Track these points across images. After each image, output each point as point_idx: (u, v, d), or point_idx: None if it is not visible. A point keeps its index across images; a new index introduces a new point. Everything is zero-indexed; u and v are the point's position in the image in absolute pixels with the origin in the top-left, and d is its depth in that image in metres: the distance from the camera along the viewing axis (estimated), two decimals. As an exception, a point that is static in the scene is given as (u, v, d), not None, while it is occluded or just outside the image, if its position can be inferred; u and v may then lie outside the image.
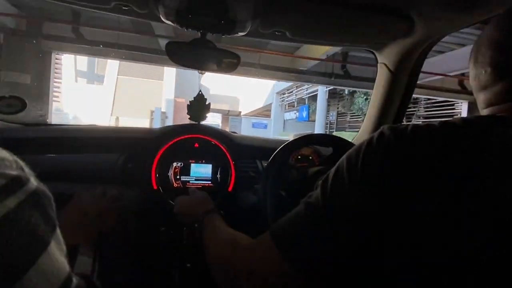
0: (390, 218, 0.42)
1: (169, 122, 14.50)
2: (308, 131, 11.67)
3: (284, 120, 15.12)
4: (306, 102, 12.54)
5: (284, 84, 13.28)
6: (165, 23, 0.95)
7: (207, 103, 1.16)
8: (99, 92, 15.39)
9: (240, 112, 19.66)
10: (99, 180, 1.05)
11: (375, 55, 1.15)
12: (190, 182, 1.13)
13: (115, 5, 0.87)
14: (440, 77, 4.93)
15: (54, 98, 4.30)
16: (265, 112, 18.00)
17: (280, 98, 14.92)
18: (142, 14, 0.93)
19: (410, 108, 7.86)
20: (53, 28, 3.84)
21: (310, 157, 1.20)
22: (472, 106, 6.04)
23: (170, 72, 15.23)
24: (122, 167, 1.08)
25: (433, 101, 7.29)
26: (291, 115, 14.27)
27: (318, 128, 11.19)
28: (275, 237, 0.50)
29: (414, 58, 1.06)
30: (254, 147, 1.24)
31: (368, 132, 1.25)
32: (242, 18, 0.93)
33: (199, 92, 1.15)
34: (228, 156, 1.15)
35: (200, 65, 1.04)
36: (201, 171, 1.14)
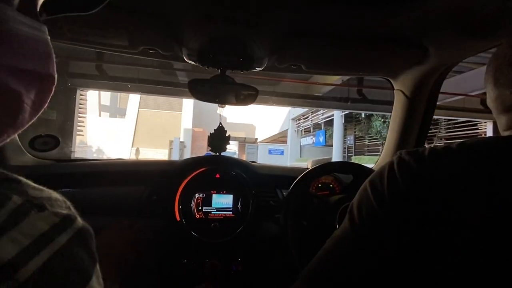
0: (419, 239, 0.43)
1: (188, 151, 14.75)
2: (326, 156, 11.51)
3: (300, 145, 15.07)
4: (322, 127, 12.51)
5: (299, 110, 13.40)
6: (188, 62, 1.02)
7: (227, 134, 1.20)
8: (121, 125, 16.01)
9: (256, 139, 19.77)
10: (125, 212, 1.08)
11: (391, 82, 1.17)
12: (212, 213, 1.14)
13: (143, 49, 0.95)
14: (461, 97, 4.81)
15: (78, 132, 4.48)
16: (281, 138, 18.05)
17: (296, 124, 14.98)
18: (167, 56, 1.00)
19: (430, 129, 7.67)
20: (78, 66, 4.05)
21: (331, 185, 1.20)
22: (497, 126, 5.84)
23: (188, 103, 15.77)
24: (147, 200, 1.11)
25: (454, 121, 7.07)
26: (308, 140, 14.22)
27: (336, 153, 11.05)
28: (308, 282, 0.50)
29: (430, 84, 1.07)
30: (274, 176, 1.25)
31: (389, 158, 1.23)
32: (259, 55, 0.98)
33: (219, 124, 1.19)
34: (249, 186, 1.16)
35: (220, 100, 1.09)
36: (223, 201, 1.16)
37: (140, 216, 1.03)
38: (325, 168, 1.09)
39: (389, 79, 1.16)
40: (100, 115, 16.56)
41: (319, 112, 12.14)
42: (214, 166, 1.18)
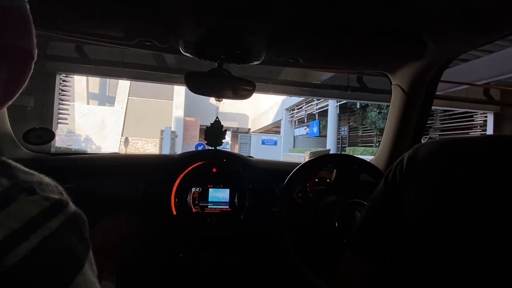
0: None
1: (179, 141, 14.64)
2: (320, 148, 11.56)
3: (294, 136, 15.10)
4: (317, 118, 12.51)
5: (293, 100, 13.36)
6: (184, 55, 1.00)
7: (223, 129, 1.19)
8: (110, 114, 15.74)
9: (249, 129, 19.74)
10: (121, 207, 1.06)
11: (388, 77, 1.17)
12: (208, 207, 1.14)
13: (139, 41, 0.93)
14: (464, 87, 4.61)
15: (62, 121, 4.30)
16: (274, 128, 18.06)
17: (290, 114, 14.97)
18: (163, 48, 0.98)
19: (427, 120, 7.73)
20: (57, 47, 3.75)
21: (328, 179, 1.19)
22: (498, 117, 5.70)
23: (179, 92, 15.55)
24: (143, 194, 1.10)
25: (450, 112, 7.07)
26: (302, 131, 14.26)
27: (330, 144, 11.10)
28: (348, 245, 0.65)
29: (428, 78, 1.07)
30: (271, 171, 1.24)
31: (386, 154, 1.24)
32: (257, 48, 0.97)
33: (216, 119, 1.18)
34: (245, 180, 1.16)
35: (217, 93, 1.07)
36: (219, 195, 1.15)
37: (136, 211, 1.02)
38: (320, 162, 1.09)
39: (387, 74, 1.16)
40: (88, 103, 16.23)
41: (313, 102, 12.12)
42: (210, 160, 1.17)
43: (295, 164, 1.10)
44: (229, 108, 17.61)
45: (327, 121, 11.50)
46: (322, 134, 12.36)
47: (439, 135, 7.66)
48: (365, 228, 0.63)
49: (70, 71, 4.20)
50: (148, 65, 4.09)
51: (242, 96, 1.08)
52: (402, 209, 0.54)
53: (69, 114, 4.62)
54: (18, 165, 0.31)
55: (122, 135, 15.34)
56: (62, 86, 4.19)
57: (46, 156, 1.17)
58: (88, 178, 1.11)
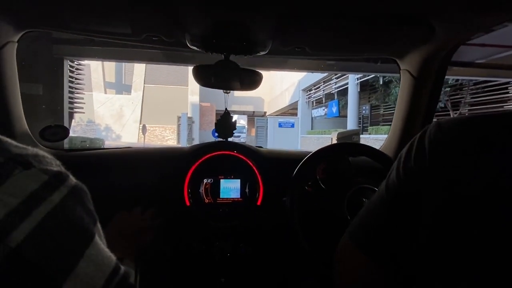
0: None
1: (196, 127, 14.78)
2: (339, 128, 11.18)
3: (312, 117, 14.81)
4: (336, 97, 12.09)
5: (310, 80, 12.99)
6: (192, 49, 1.01)
7: (233, 120, 1.21)
8: (128, 102, 16.02)
9: (265, 112, 19.62)
10: (136, 200, 1.11)
11: (397, 63, 1.14)
12: (220, 197, 1.17)
13: (146, 36, 0.95)
14: (510, 53, 4.24)
15: (79, 110, 4.30)
16: (291, 110, 17.83)
17: (307, 95, 14.62)
18: (170, 43, 1.00)
19: (457, 95, 7.23)
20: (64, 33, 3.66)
21: (337, 167, 1.19)
22: None
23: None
24: (157, 187, 1.14)
25: (483, 85, 6.48)
26: (320, 111, 13.90)
27: (351, 124, 10.61)
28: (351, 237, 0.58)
29: (437, 62, 1.04)
30: (281, 160, 1.26)
31: (396, 140, 1.22)
32: (262, 38, 0.97)
33: (225, 111, 1.19)
34: (256, 171, 1.18)
35: (225, 85, 1.09)
36: (230, 186, 1.18)
37: (151, 203, 1.06)
38: (328, 150, 1.09)
39: (395, 58, 1.13)
40: (105, 92, 16.53)
41: (332, 81, 11.67)
42: (221, 151, 1.19)
43: (306, 153, 1.11)
44: (243, 93, 17.46)
45: (346, 100, 11.07)
46: (341, 114, 11.94)
47: (468, 110, 7.11)
48: (370, 223, 0.56)
49: (78, 55, 4.04)
50: (157, 46, 3.94)
51: (249, 87, 1.09)
52: (422, 206, 0.47)
53: (84, 103, 4.55)
54: (9, 140, 0.30)
55: (140, 123, 15.63)
56: (76, 74, 4.15)
57: (62, 153, 1.21)
58: (102, 173, 1.15)
